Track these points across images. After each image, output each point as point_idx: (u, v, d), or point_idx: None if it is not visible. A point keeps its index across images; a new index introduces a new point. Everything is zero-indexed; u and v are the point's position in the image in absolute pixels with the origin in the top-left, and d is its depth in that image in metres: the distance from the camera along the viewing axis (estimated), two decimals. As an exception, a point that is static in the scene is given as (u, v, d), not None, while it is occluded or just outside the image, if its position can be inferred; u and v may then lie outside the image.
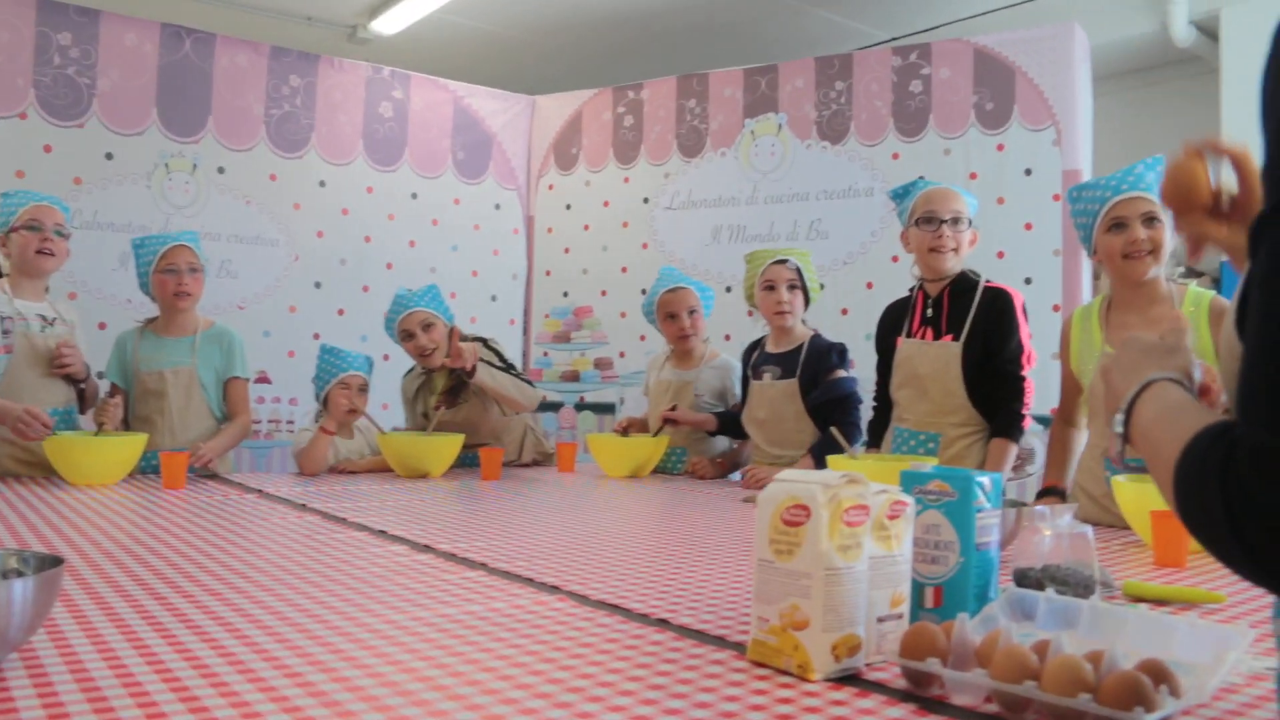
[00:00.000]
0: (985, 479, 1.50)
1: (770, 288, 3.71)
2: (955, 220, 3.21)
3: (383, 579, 1.84)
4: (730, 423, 3.84)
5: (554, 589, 1.77)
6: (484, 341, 3.96)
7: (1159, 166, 2.77)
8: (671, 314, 3.99)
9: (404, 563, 2.01)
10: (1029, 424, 3.17)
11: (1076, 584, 1.52)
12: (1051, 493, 2.85)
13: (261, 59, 5.34)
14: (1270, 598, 1.72)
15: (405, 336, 3.95)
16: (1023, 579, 1.55)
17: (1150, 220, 2.73)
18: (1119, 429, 1.03)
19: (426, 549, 2.17)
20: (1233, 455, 0.75)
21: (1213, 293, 2.71)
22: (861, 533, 1.30)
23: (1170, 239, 2.73)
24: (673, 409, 3.83)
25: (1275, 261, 0.75)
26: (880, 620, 1.35)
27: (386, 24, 6.23)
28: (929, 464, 1.57)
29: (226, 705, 1.11)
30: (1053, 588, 1.45)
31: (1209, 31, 5.42)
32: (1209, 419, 0.85)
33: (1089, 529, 1.62)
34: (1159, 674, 1.13)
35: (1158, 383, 1.02)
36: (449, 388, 3.94)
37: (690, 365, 4.03)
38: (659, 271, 4.23)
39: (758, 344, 3.84)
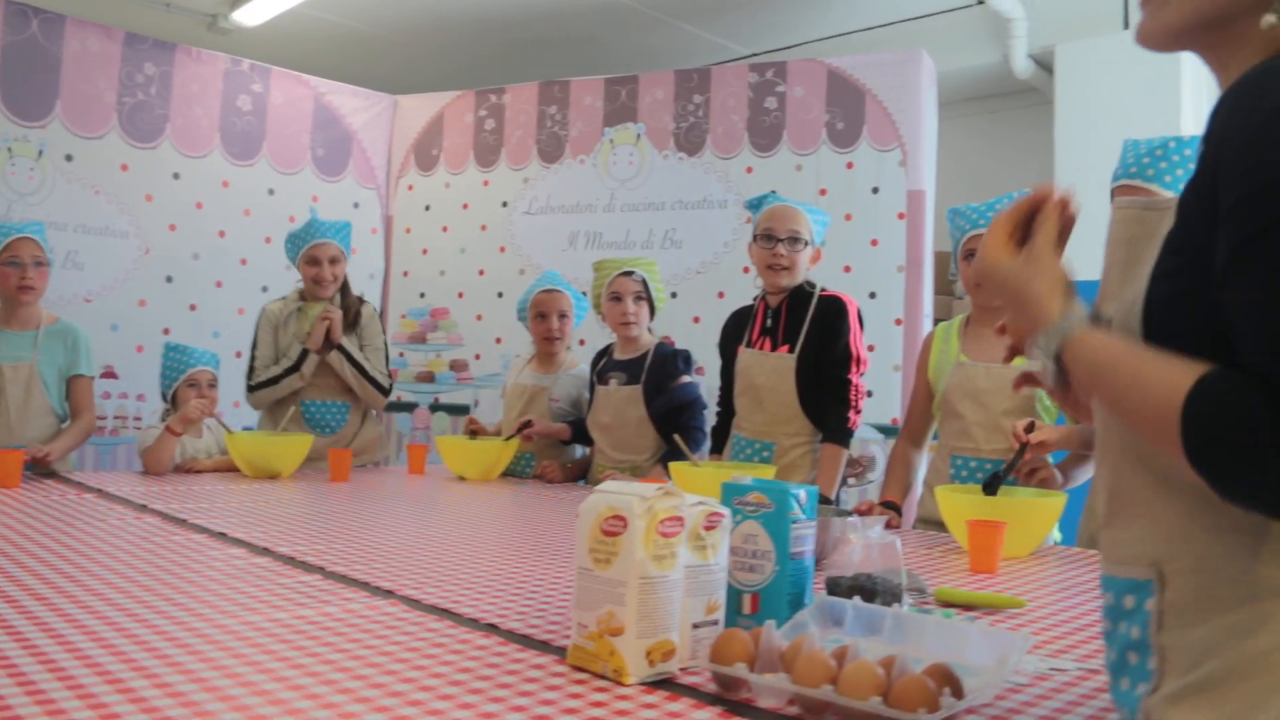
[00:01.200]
0: (801, 492, 1.56)
1: (616, 299, 3.75)
2: (793, 239, 3.28)
3: (217, 583, 1.84)
4: (583, 431, 3.88)
5: (388, 593, 1.80)
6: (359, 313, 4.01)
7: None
8: (542, 313, 4.00)
9: (240, 566, 2.01)
10: (857, 425, 3.25)
11: (885, 592, 1.60)
12: (889, 507, 2.94)
13: (115, 45, 5.22)
14: (1088, 602, 1.83)
15: (310, 262, 3.95)
16: (834, 587, 1.63)
17: None
18: (1050, 360, 1.06)
19: (265, 552, 2.17)
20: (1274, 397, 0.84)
21: None
22: (676, 543, 1.35)
23: None
24: (528, 423, 3.83)
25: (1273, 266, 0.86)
26: (695, 626, 1.41)
27: (248, 15, 6.12)
28: (749, 475, 1.62)
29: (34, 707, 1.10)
30: (858, 596, 1.53)
31: (1046, 66, 5.67)
32: (1182, 364, 0.93)
33: (897, 540, 1.71)
34: (945, 677, 1.20)
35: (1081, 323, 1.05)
36: (348, 323, 3.99)
37: (550, 370, 4.04)
38: (542, 274, 4.26)
39: (606, 351, 3.89)
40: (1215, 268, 0.92)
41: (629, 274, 3.77)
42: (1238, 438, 0.86)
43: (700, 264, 5.40)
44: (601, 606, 1.34)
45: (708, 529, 1.43)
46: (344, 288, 4.02)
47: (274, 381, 3.89)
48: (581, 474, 3.94)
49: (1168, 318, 0.97)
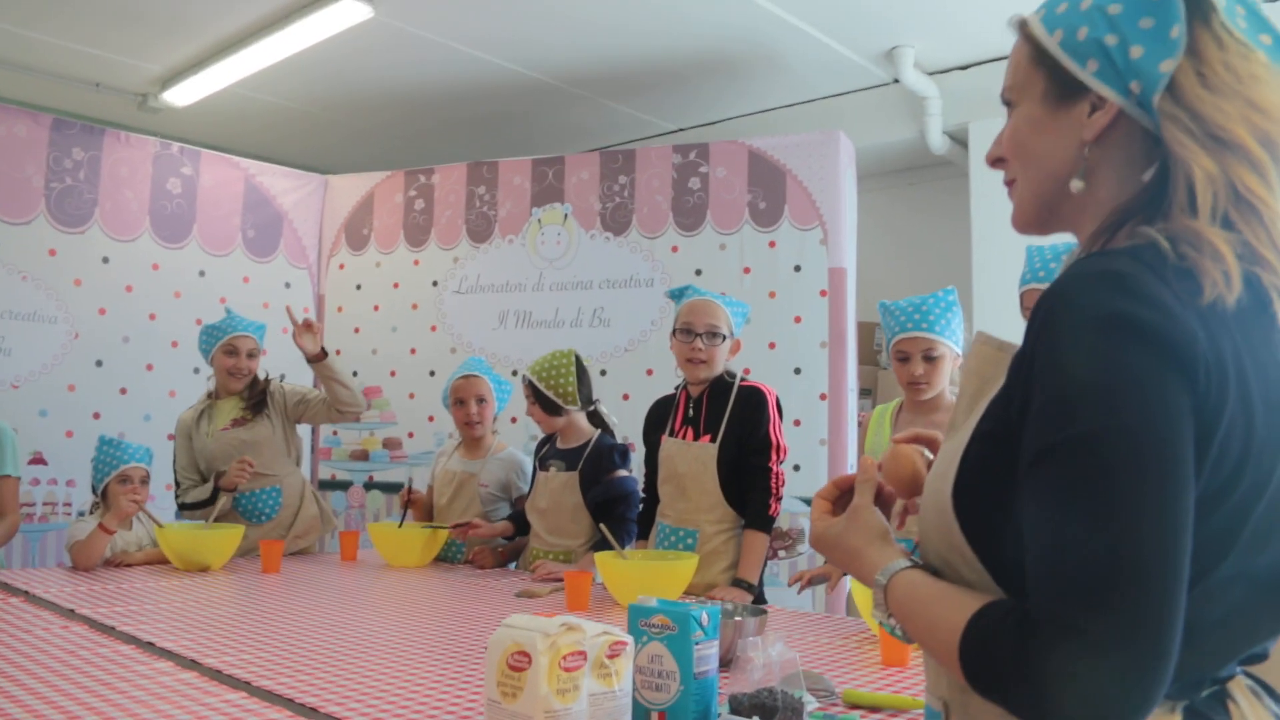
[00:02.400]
0: (704, 614, 1.65)
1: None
2: (710, 334, 3.36)
3: (145, 705, 1.88)
4: (523, 522, 3.92)
5: (312, 712, 1.85)
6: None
7: (944, 305, 3.08)
8: (460, 399, 4.06)
9: (167, 684, 2.05)
10: (778, 512, 3.33)
11: (785, 708, 1.68)
12: (818, 581, 3.14)
13: (43, 130, 5.22)
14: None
15: (229, 352, 4.09)
16: (736, 706, 1.71)
17: (929, 357, 3.05)
18: (880, 607, 1.15)
19: (193, 664, 2.21)
20: (1025, 626, 0.93)
21: None
22: (579, 676, 1.44)
23: (948, 368, 3.05)
24: (469, 524, 3.87)
25: (1058, 486, 0.93)
26: (601, 751, 1.48)
27: (178, 95, 6.15)
28: (654, 598, 1.70)
29: None
30: (758, 717, 1.61)
31: (960, 140, 5.86)
32: (970, 599, 1.02)
33: (796, 655, 1.79)
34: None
35: (899, 572, 1.14)
36: (253, 403, 4.10)
37: (477, 455, 4.09)
38: (465, 360, 4.33)
39: (550, 438, 3.93)
40: (1020, 459, 0.99)
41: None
42: (993, 669, 0.96)
43: (629, 342, 5.46)
44: (510, 739, 1.41)
45: (611, 656, 1.51)
46: (252, 382, 4.18)
47: (194, 506, 4.01)
48: (513, 556, 3.97)
49: (977, 483, 1.05)
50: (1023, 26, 1.13)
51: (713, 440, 3.35)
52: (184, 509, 3.98)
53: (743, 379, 3.41)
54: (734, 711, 1.68)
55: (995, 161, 1.18)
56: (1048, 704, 0.90)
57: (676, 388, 3.55)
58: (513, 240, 5.77)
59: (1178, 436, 0.91)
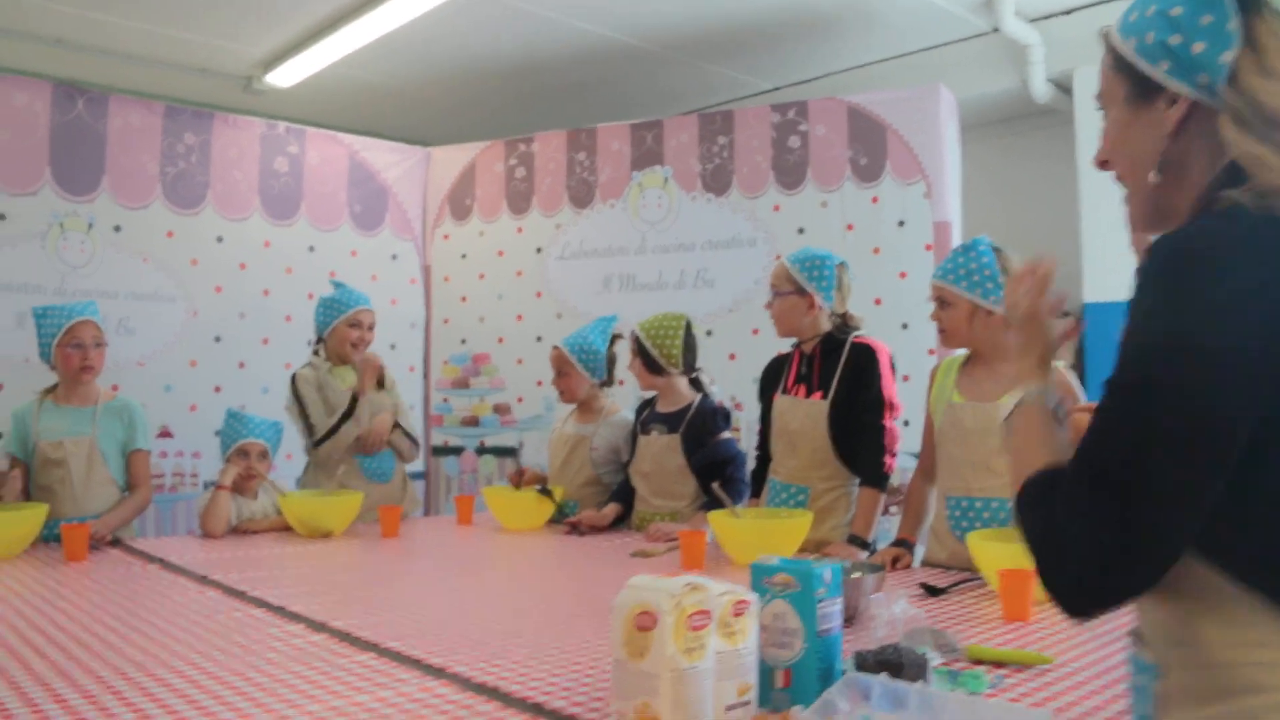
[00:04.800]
0: (826, 571, 1.63)
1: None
2: (775, 293, 3.42)
3: (280, 666, 1.93)
4: (625, 497, 3.90)
5: (439, 672, 1.88)
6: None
7: (965, 255, 3.04)
8: (557, 371, 4.10)
9: (300, 645, 2.10)
10: (892, 469, 3.31)
11: (910, 665, 1.66)
12: (902, 545, 3.04)
13: (155, 117, 5.34)
14: (1117, 654, 1.90)
15: (353, 324, 4.13)
16: (862, 662, 1.70)
17: (941, 303, 3.04)
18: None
19: (322, 628, 2.26)
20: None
21: None
22: (705, 635, 1.43)
23: (969, 317, 2.99)
24: (576, 522, 3.81)
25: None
26: (729, 709, 1.49)
27: (281, 77, 6.22)
28: (776, 556, 1.69)
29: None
30: (885, 672, 1.59)
31: (1065, 88, 5.68)
32: (1046, 459, 1.22)
33: (921, 613, 1.77)
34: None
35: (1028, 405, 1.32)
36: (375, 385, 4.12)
37: (591, 419, 4.08)
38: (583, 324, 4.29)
39: (649, 403, 3.92)
40: None
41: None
42: (1029, 527, 1.16)
43: (733, 302, 5.42)
44: (637, 696, 1.42)
45: (736, 615, 1.51)
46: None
47: (333, 432, 4.01)
48: (624, 518, 3.96)
49: None
50: (1105, 38, 1.25)
51: (824, 397, 3.33)
52: (326, 438, 4.04)
53: (856, 336, 3.38)
54: (859, 668, 1.66)
55: (1103, 164, 1.29)
56: (1041, 551, 1.13)
57: (793, 345, 3.53)
58: (614, 205, 5.76)
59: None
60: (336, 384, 4.11)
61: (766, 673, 1.62)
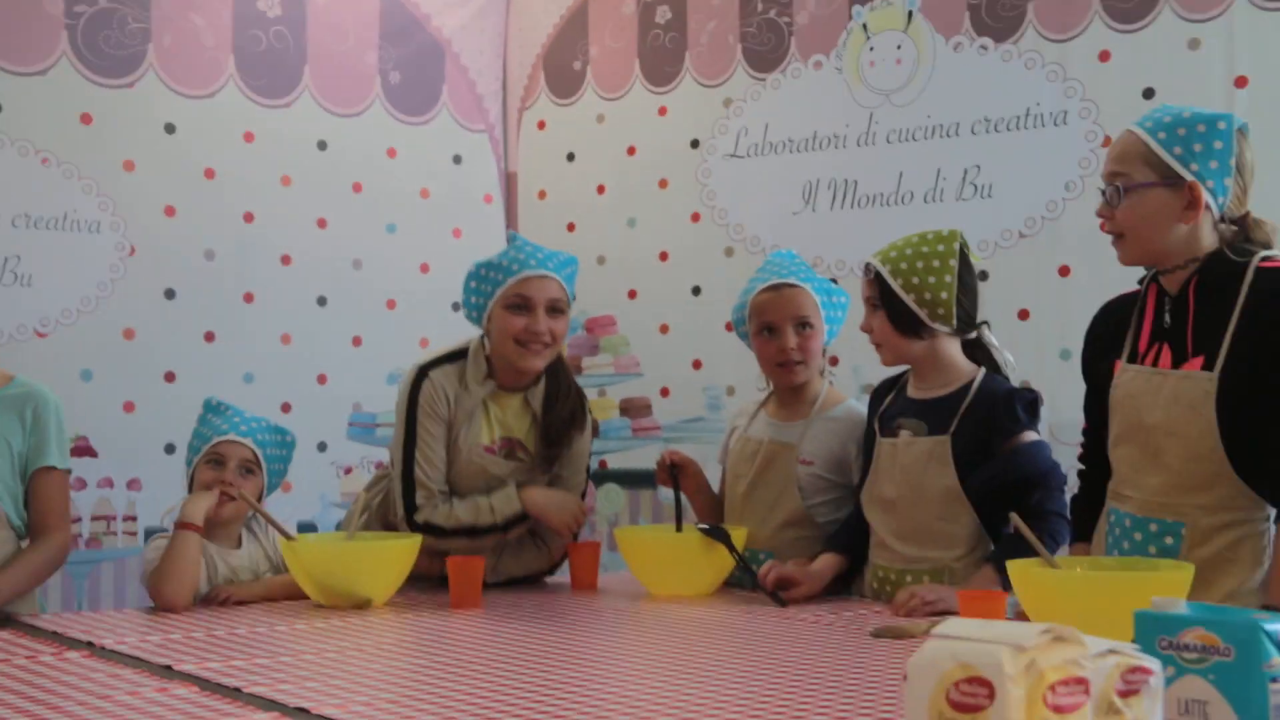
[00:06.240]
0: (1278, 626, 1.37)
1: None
2: (1122, 189, 2.70)
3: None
4: (853, 542, 3.10)
5: None
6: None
7: None
8: (769, 325, 3.17)
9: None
10: None
11: None
12: None
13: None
14: None
15: (515, 306, 3.14)
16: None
17: None
18: None
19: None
20: None
21: None
22: (1080, 721, 1.18)
23: None
24: (774, 582, 2.99)
25: None
26: None
27: None
28: (1179, 598, 1.46)
29: None
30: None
31: None
32: None
33: None
34: None
35: None
36: (552, 438, 3.20)
37: (797, 415, 3.25)
38: (766, 258, 3.44)
39: (894, 383, 3.20)
40: None
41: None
42: None
43: (1024, 222, 4.01)
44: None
45: (1126, 694, 1.19)
46: (556, 369, 3.25)
47: (472, 533, 3.16)
48: (849, 577, 3.25)
49: None
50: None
51: (1208, 367, 2.68)
52: (449, 534, 3.17)
53: (1267, 257, 2.65)
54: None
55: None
56: None
57: (1141, 281, 2.85)
58: (821, 64, 4.38)
59: None
60: (496, 422, 3.23)
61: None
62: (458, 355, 3.21)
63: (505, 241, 4.88)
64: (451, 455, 3.19)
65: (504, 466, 3.18)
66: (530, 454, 3.18)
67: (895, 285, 2.96)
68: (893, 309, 2.96)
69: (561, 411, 3.23)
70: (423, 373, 3.16)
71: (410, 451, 3.16)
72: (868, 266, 3.02)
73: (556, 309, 3.15)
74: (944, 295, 2.92)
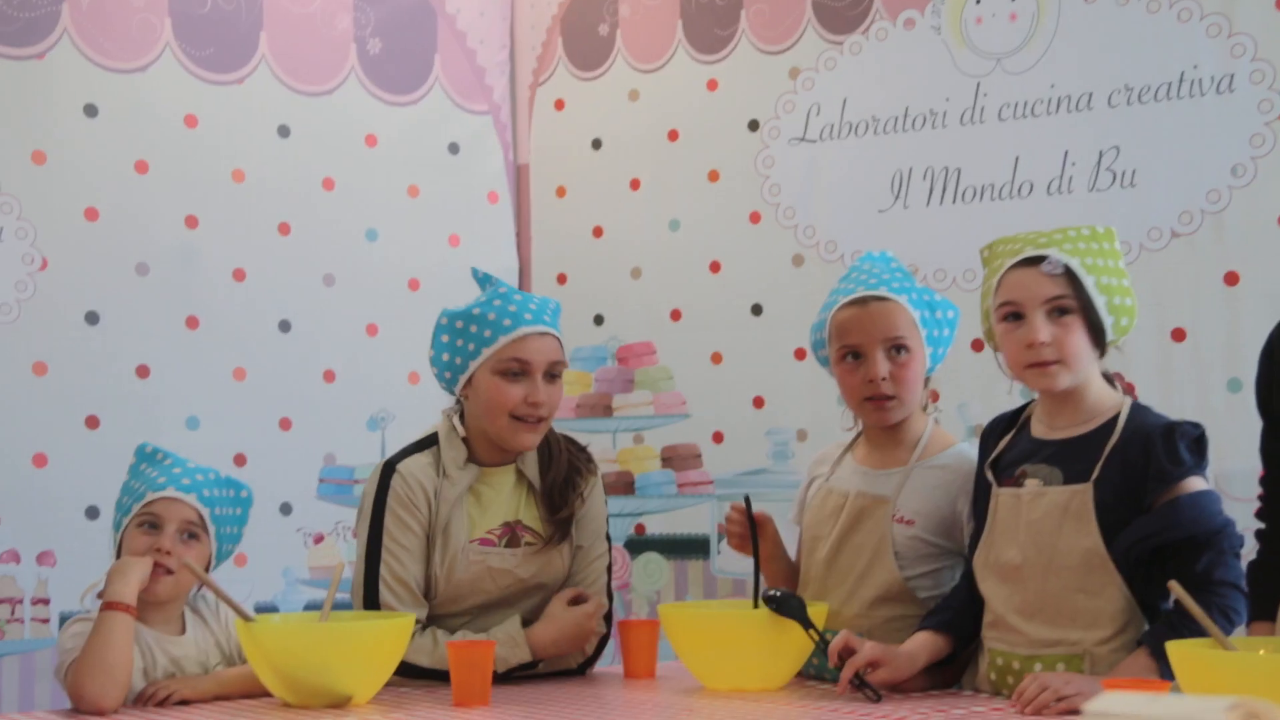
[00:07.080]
0: None
1: (1015, 315, 2.55)
2: None
3: None
4: (959, 620, 2.61)
5: None
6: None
7: None
8: (854, 349, 2.74)
9: None
10: None
11: None
12: None
13: None
14: None
15: (506, 371, 2.75)
16: None
17: None
18: None
19: None
20: None
21: None
22: None
23: None
24: (858, 667, 2.52)
25: None
26: None
27: None
28: None
29: None
30: None
31: None
32: None
33: None
34: None
35: None
36: (557, 503, 2.83)
37: (893, 461, 2.81)
38: (854, 263, 3.04)
39: (1012, 420, 2.72)
40: None
41: (1034, 261, 2.57)
42: None
43: (1178, 217, 3.54)
44: None
45: None
46: (550, 447, 2.90)
47: (427, 676, 2.70)
48: (952, 662, 2.75)
49: None
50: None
51: None
52: (404, 673, 2.68)
53: None
54: None
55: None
56: None
57: None
58: (914, 21, 3.90)
59: None
60: (481, 512, 2.88)
61: None
62: (427, 443, 2.86)
63: (516, 251, 4.43)
64: (443, 559, 2.84)
65: (510, 558, 2.82)
66: (537, 533, 2.81)
67: (1089, 285, 2.50)
68: (1090, 317, 2.52)
69: (559, 466, 2.92)
70: (390, 467, 2.80)
71: (374, 566, 2.81)
72: (1048, 260, 2.51)
73: (555, 374, 2.81)
74: (1129, 302, 2.53)
